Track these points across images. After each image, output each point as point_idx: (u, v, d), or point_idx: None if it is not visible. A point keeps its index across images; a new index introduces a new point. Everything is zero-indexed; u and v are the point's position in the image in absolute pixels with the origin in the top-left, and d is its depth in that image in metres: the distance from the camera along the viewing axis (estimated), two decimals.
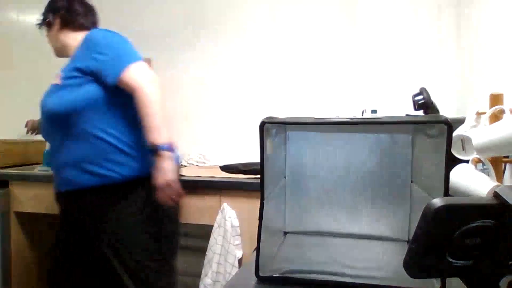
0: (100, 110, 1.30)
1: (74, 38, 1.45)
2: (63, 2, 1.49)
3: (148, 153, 1.27)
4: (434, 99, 1.45)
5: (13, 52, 2.45)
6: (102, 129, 1.29)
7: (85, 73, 1.30)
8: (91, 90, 1.29)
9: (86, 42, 1.35)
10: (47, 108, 1.33)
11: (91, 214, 1.33)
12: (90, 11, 1.54)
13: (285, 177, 0.98)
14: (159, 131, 1.24)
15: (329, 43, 2.09)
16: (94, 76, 1.29)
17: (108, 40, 1.33)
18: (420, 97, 1.43)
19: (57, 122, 1.32)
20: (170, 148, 1.25)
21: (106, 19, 2.42)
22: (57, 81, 1.34)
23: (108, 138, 1.30)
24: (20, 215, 1.94)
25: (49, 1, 1.52)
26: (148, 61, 2.35)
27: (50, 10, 1.50)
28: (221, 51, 2.25)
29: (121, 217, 1.31)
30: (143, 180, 1.30)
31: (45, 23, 1.51)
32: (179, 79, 2.32)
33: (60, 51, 1.51)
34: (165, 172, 1.24)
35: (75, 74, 1.30)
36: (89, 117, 1.29)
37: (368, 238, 0.95)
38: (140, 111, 1.26)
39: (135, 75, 1.27)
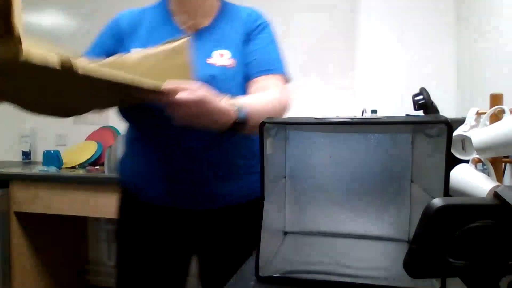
0: None
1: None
2: None
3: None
4: (434, 99, 1.45)
5: None
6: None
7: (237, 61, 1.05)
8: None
9: (255, 20, 1.13)
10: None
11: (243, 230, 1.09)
12: None
13: (285, 177, 0.98)
14: None
15: (329, 42, 2.09)
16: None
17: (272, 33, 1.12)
18: (420, 97, 1.44)
19: None
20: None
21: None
22: (224, 61, 1.04)
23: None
24: (20, 215, 1.94)
25: None
26: None
27: None
28: None
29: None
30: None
31: None
32: None
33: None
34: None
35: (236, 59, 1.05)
36: None
37: (368, 238, 0.95)
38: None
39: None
